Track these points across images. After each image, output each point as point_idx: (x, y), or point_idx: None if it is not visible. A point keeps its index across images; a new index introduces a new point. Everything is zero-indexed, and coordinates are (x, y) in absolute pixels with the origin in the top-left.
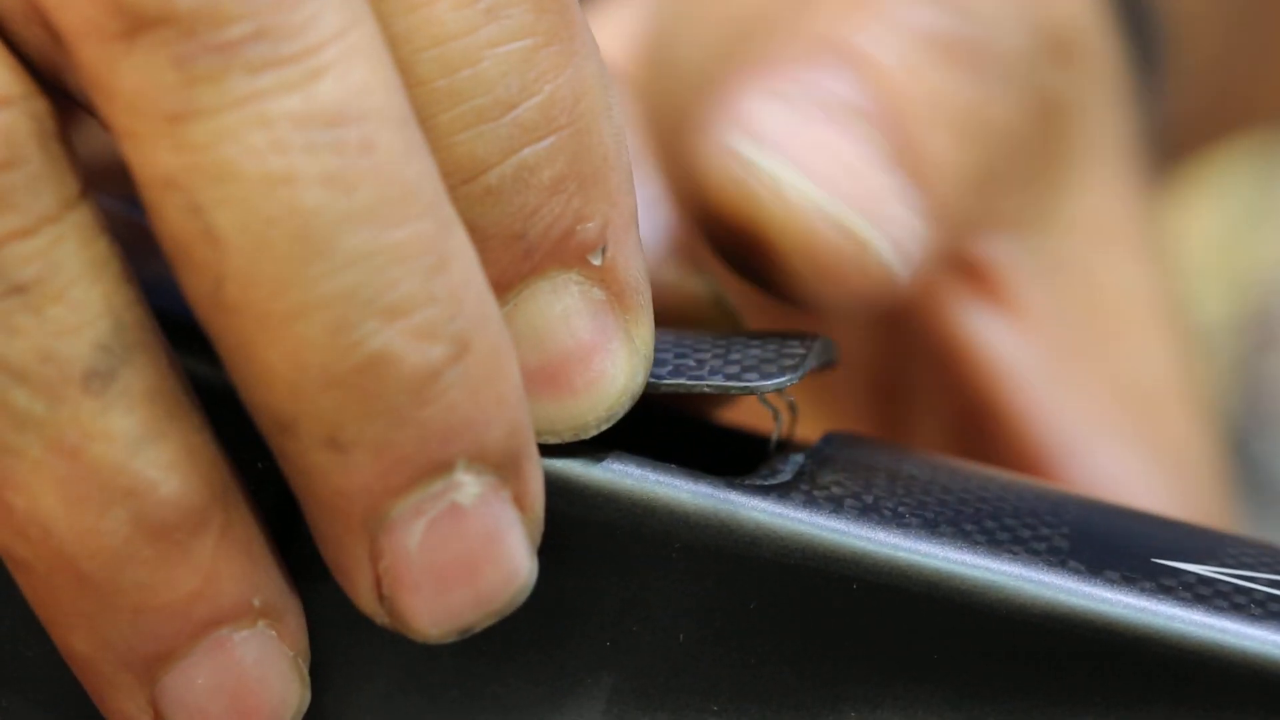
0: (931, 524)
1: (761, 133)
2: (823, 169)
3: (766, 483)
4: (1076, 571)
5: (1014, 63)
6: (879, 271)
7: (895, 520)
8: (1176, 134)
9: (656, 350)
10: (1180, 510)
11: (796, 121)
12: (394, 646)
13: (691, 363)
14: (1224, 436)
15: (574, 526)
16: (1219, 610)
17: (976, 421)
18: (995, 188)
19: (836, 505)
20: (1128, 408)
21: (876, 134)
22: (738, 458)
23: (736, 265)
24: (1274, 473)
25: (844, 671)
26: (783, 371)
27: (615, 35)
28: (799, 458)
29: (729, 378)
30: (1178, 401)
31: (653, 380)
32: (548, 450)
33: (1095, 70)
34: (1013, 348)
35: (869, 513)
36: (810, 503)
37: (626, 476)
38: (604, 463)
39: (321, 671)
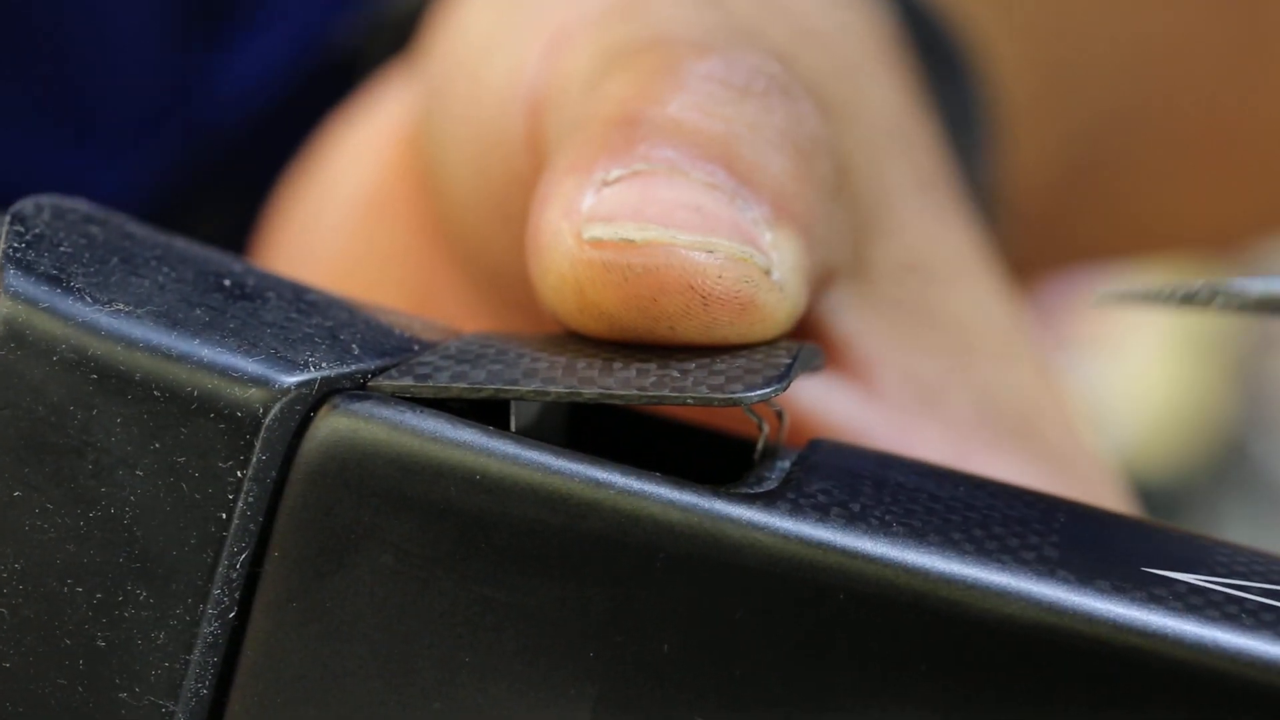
0: (919, 533)
1: (609, 214)
2: (682, 219)
3: (752, 491)
4: (1066, 581)
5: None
6: (778, 293)
7: (882, 529)
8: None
9: (639, 360)
10: None
11: (633, 195)
12: (375, 657)
13: (675, 373)
14: (1223, 437)
15: (557, 536)
16: (1210, 620)
17: None
18: (844, 201)
19: (823, 514)
20: (1004, 423)
21: (712, 178)
22: (723, 465)
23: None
24: (1274, 473)
25: (830, 682)
26: (768, 382)
27: (386, 125)
28: (785, 465)
29: (713, 389)
30: (1052, 411)
31: (636, 392)
32: (535, 458)
33: (869, 117)
34: (859, 420)
35: (856, 521)
36: (796, 511)
37: (610, 485)
38: (588, 471)
39: (301, 684)
